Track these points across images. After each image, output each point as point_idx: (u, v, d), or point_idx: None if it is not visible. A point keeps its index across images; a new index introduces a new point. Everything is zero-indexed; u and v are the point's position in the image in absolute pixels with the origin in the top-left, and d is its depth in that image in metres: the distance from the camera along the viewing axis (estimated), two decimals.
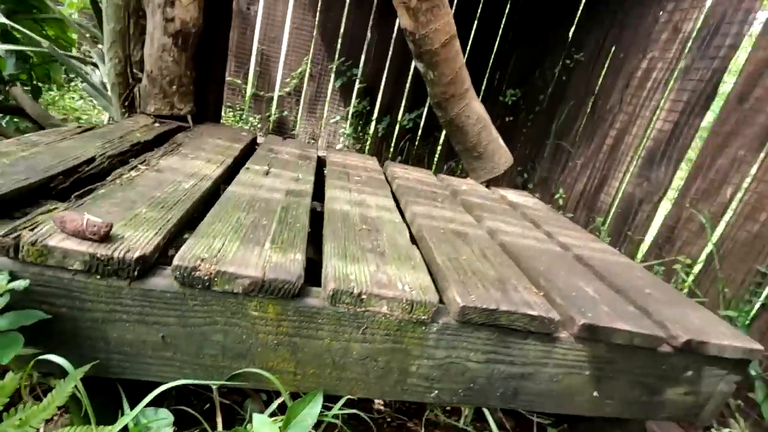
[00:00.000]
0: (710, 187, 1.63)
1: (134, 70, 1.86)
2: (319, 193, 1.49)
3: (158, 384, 0.84)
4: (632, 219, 1.95)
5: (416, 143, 4.14)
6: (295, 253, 0.93)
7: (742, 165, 1.54)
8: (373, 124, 4.19)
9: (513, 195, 2.20)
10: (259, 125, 4.14)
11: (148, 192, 1.05)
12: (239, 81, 3.99)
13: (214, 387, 0.93)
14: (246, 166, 1.49)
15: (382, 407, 1.28)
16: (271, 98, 4.07)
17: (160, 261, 0.86)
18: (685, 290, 1.62)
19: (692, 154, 1.84)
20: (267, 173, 1.45)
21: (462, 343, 0.96)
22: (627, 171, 2.06)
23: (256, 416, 0.89)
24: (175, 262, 0.79)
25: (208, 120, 2.03)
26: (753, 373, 1.33)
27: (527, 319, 0.94)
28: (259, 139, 2.04)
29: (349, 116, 4.16)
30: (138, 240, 0.82)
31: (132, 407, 0.83)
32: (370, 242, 1.10)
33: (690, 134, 1.79)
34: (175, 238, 0.94)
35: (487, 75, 3.67)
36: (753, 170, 1.50)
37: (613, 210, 2.08)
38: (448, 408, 1.29)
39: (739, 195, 1.52)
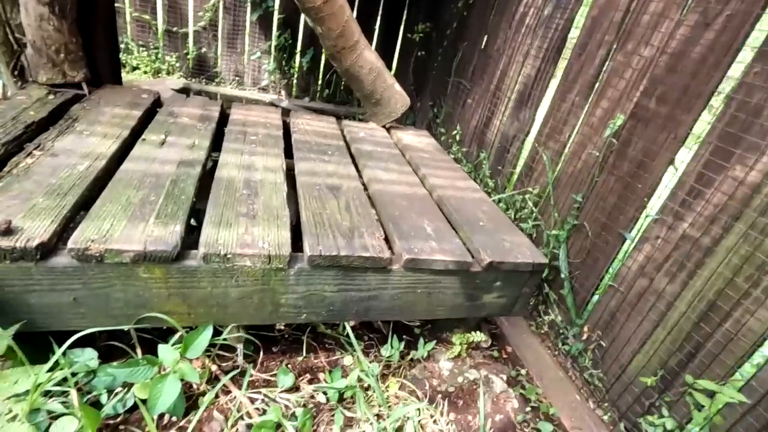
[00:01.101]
0: (555, 129, 1.95)
1: (17, 35, 1.85)
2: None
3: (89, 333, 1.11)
4: (506, 155, 2.28)
5: None
6: (176, 225, 1.17)
7: (576, 110, 1.85)
8: (297, 57, 4.15)
9: (410, 136, 2.45)
10: (177, 64, 4.01)
11: (44, 180, 1.23)
12: (147, 16, 3.77)
13: (127, 328, 1.22)
14: (142, 137, 1.64)
15: (282, 327, 1.65)
16: (186, 34, 3.90)
17: (61, 240, 1.09)
18: (532, 215, 2.01)
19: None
20: (162, 143, 1.62)
21: (317, 279, 1.28)
22: (505, 111, 2.34)
23: (160, 346, 1.20)
24: (69, 245, 1.02)
25: (106, 83, 2.08)
26: (562, 275, 1.78)
27: (362, 259, 1.27)
28: (166, 95, 2.12)
29: (272, 50, 4.08)
30: (36, 230, 1.04)
31: (64, 352, 1.11)
32: (246, 207, 1.35)
33: (547, 80, 2.06)
34: (71, 222, 1.16)
35: (405, 9, 3.69)
36: (581, 116, 1.81)
37: (494, 146, 2.40)
38: (330, 323, 1.67)
39: (572, 137, 1.85)
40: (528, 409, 1.57)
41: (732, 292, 1.20)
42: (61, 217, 1.10)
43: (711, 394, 1.22)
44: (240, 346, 1.41)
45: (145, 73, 3.90)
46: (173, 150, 1.59)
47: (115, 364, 1.17)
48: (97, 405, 1.14)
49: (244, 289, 1.22)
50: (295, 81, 4.23)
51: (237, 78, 4.16)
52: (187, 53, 3.97)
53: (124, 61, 3.81)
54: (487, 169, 2.41)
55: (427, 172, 1.98)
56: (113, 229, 1.10)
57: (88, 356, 1.16)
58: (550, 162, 1.93)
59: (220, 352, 1.45)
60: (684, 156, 1.40)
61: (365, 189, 1.70)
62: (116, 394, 1.16)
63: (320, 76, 4.27)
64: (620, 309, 1.54)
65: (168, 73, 4.00)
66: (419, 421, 1.37)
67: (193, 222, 1.41)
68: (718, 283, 1.24)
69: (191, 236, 1.28)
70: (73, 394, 1.00)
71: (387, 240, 1.41)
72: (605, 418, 1.57)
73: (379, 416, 1.36)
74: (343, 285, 1.32)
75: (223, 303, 1.23)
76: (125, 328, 1.18)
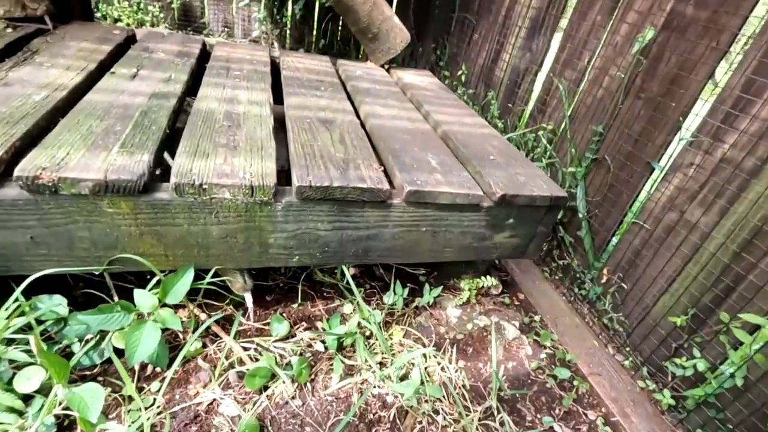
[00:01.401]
0: (573, 55, 1.74)
1: None
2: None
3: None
4: (517, 90, 2.08)
5: (340, 23, 3.91)
6: (143, 155, 1.02)
7: (598, 29, 1.64)
8: (289, 4, 3.87)
9: (411, 76, 2.25)
10: (162, 15, 3.75)
11: None
12: None
13: (99, 272, 1.10)
14: (111, 70, 1.47)
15: (276, 276, 1.53)
16: None
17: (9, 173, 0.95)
18: (546, 153, 1.84)
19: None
20: (134, 76, 1.45)
21: (308, 216, 1.14)
22: (515, 43, 2.12)
23: (136, 291, 1.08)
24: (16, 173, 0.88)
25: (76, 19, 1.88)
26: (580, 215, 1.63)
27: (358, 191, 1.12)
28: (141, 36, 1.93)
29: None
30: None
31: (28, 298, 0.99)
32: (226, 138, 1.19)
33: (562, 1, 1.84)
34: (23, 152, 1.01)
35: None
36: (603, 35, 1.61)
37: (503, 83, 2.19)
38: (327, 270, 1.55)
39: (593, 61, 1.65)
40: (543, 355, 1.47)
41: None
42: (8, 146, 0.95)
43: (752, 330, 1.09)
44: (248, 295, 1.28)
45: (128, 25, 3.65)
46: (146, 83, 1.42)
47: (87, 311, 1.06)
48: (70, 356, 1.04)
49: (226, 227, 1.09)
50: (288, 31, 3.97)
51: (226, 29, 3.90)
52: (171, 2, 3.71)
53: (104, 13, 3.57)
54: (495, 109, 2.22)
55: (430, 109, 1.80)
56: (69, 157, 0.96)
57: (55, 303, 1.04)
58: (567, 93, 1.74)
59: (209, 301, 1.34)
60: (725, 66, 1.21)
61: (362, 125, 1.53)
62: (87, 342, 1.05)
63: (314, 26, 4.00)
64: (646, 246, 1.40)
65: (152, 25, 3.75)
66: (426, 368, 1.26)
67: (169, 161, 1.26)
68: (765, 206, 1.08)
69: (165, 176, 1.14)
70: (32, 341, 0.89)
71: (386, 174, 1.26)
72: (626, 363, 1.46)
73: (382, 364, 1.26)
74: (338, 222, 1.18)
75: (204, 243, 1.10)
76: (96, 271, 1.06)
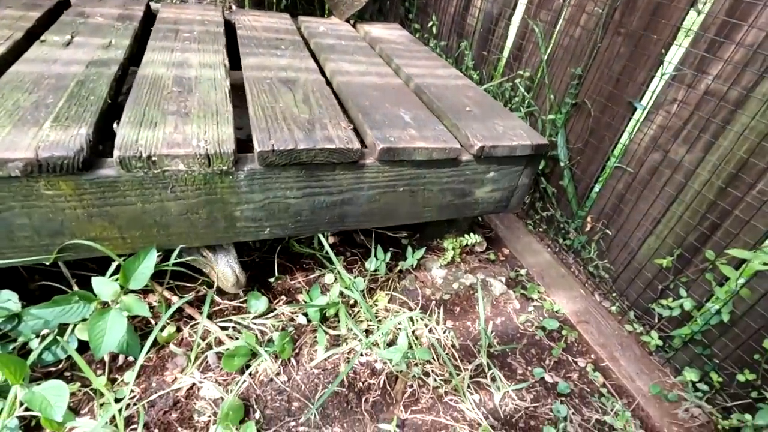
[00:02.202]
0: None
1: None
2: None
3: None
4: (491, 38, 1.98)
5: None
6: (80, 128, 0.91)
7: None
8: None
9: (379, 30, 2.11)
10: None
11: None
12: None
13: (50, 263, 1.00)
14: (42, 38, 1.31)
15: (251, 251, 1.45)
16: None
17: None
18: (525, 102, 1.77)
19: None
20: (68, 44, 1.30)
21: (275, 184, 1.05)
22: None
23: (94, 279, 1.00)
24: None
25: None
26: (562, 164, 1.58)
27: (327, 152, 1.04)
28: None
29: None
30: None
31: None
32: (176, 104, 1.08)
33: None
34: None
35: None
36: None
37: (476, 32, 2.08)
38: (304, 240, 1.48)
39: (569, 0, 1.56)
40: (530, 308, 1.45)
41: (767, 145, 1.01)
42: None
43: (738, 265, 1.07)
44: (230, 269, 1.17)
45: None
46: (82, 51, 1.27)
47: (41, 304, 0.97)
48: (29, 354, 0.96)
49: (185, 202, 1.00)
50: None
51: None
52: None
53: None
54: (470, 60, 2.12)
55: (401, 63, 1.68)
56: None
57: (4, 298, 0.95)
58: (543, 36, 1.65)
59: (181, 283, 1.26)
60: None
61: (328, 84, 1.42)
62: (45, 338, 0.97)
63: None
64: (630, 190, 1.37)
65: None
66: (413, 331, 1.23)
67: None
68: (751, 137, 1.04)
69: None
70: None
71: (357, 133, 1.17)
72: (613, 309, 1.46)
73: (368, 332, 1.22)
74: (308, 188, 1.10)
75: (163, 222, 1.01)
76: (45, 261, 0.97)
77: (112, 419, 0.89)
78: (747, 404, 1.08)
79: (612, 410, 1.17)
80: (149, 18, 1.73)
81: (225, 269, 1.17)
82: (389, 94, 1.40)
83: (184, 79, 1.21)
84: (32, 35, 1.34)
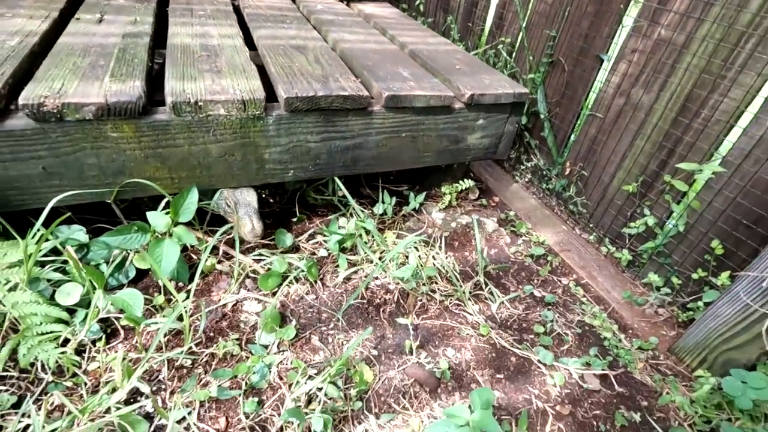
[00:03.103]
0: None
1: None
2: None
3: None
4: (474, 10, 2.16)
5: None
6: (135, 81, 1.08)
7: None
8: None
9: (371, 7, 2.29)
10: None
11: None
12: None
13: (111, 201, 1.17)
14: (76, 16, 1.46)
15: (271, 201, 1.63)
16: None
17: (10, 109, 0.99)
18: (507, 65, 1.96)
19: None
20: (100, 21, 1.45)
21: (298, 128, 1.23)
22: None
23: (149, 213, 1.17)
24: (21, 101, 0.93)
25: None
26: (542, 116, 1.79)
27: (341, 99, 1.22)
28: None
29: None
30: None
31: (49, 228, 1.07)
32: (208, 65, 1.25)
33: None
34: (18, 88, 1.05)
35: None
36: None
37: (460, 6, 2.26)
38: (319, 192, 1.67)
39: None
40: (520, 242, 1.65)
41: (708, 77, 1.22)
42: (2, 83, 0.99)
43: (690, 183, 1.29)
44: (248, 219, 1.36)
45: None
46: (114, 26, 1.43)
47: (106, 233, 1.14)
48: None
49: (224, 145, 1.17)
50: None
51: None
52: None
53: None
54: (456, 32, 2.30)
55: (395, 33, 1.87)
56: (66, 87, 1.01)
57: (76, 230, 1.12)
58: (521, 4, 1.84)
59: (214, 228, 1.44)
60: None
61: (333, 50, 1.60)
62: (113, 262, 1.14)
63: None
64: (600, 132, 1.57)
65: None
66: (419, 256, 1.43)
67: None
68: (694, 74, 1.25)
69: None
70: (70, 251, 0.98)
71: (364, 86, 1.35)
72: (591, 238, 1.67)
73: (381, 259, 1.41)
74: (325, 133, 1.28)
75: (205, 163, 1.19)
76: (108, 199, 1.14)
77: (179, 314, 1.07)
78: (699, 297, 1.30)
79: (591, 313, 1.38)
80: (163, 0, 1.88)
81: (243, 218, 1.32)
82: (388, 57, 1.58)
83: (209, 46, 1.38)
84: (65, 14, 1.49)
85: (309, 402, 0.99)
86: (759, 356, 1.07)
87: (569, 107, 1.69)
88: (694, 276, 1.30)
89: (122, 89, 1.03)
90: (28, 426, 0.86)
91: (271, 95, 1.21)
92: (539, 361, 1.19)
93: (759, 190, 1.14)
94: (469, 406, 0.87)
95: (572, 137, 1.74)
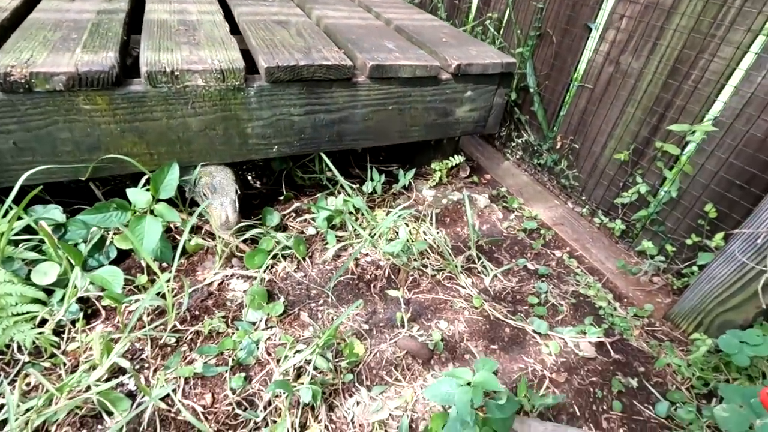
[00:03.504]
0: None
1: None
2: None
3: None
4: None
5: None
6: (108, 52, 1.04)
7: None
8: None
9: None
10: None
11: None
12: None
13: (86, 179, 1.13)
14: None
15: (259, 185, 1.60)
16: None
17: None
18: (496, 41, 1.93)
19: None
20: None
21: (280, 100, 1.20)
22: None
23: (128, 189, 1.13)
24: None
25: None
26: (531, 90, 1.76)
27: (324, 69, 1.18)
28: None
29: None
30: None
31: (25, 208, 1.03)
32: (186, 38, 1.21)
33: None
34: None
35: None
36: None
37: None
38: (307, 171, 1.63)
39: None
40: (512, 217, 1.63)
41: (697, 36, 1.20)
42: None
43: (683, 147, 1.27)
44: (223, 211, 1.32)
45: None
46: (88, 3, 1.38)
47: (83, 212, 1.10)
48: None
49: (204, 118, 1.14)
50: None
51: None
52: None
53: None
54: (443, 12, 2.27)
55: (380, 10, 1.83)
56: (34, 58, 0.97)
57: (51, 209, 1.08)
58: None
59: (197, 209, 1.40)
60: None
61: (317, 26, 1.56)
62: (91, 241, 1.10)
63: None
64: (590, 102, 1.55)
65: None
66: (409, 230, 1.40)
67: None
68: (683, 37, 1.23)
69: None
70: (46, 228, 0.94)
71: (348, 57, 1.31)
72: (584, 211, 1.65)
73: (371, 235, 1.38)
74: (309, 105, 1.25)
75: (184, 138, 1.15)
76: (82, 177, 1.09)
77: (159, 291, 1.04)
78: (694, 263, 1.28)
79: (585, 284, 1.36)
80: None
81: (218, 210, 1.23)
82: (373, 32, 1.54)
83: (188, 21, 1.34)
84: None
85: (298, 376, 0.97)
86: (755, 316, 1.05)
87: (558, 79, 1.67)
88: (688, 242, 1.28)
89: (94, 59, 0.99)
90: (2, 406, 0.82)
91: (252, 69, 1.17)
92: (534, 331, 1.17)
93: (751, 148, 1.12)
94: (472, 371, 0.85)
95: (562, 111, 1.72)
